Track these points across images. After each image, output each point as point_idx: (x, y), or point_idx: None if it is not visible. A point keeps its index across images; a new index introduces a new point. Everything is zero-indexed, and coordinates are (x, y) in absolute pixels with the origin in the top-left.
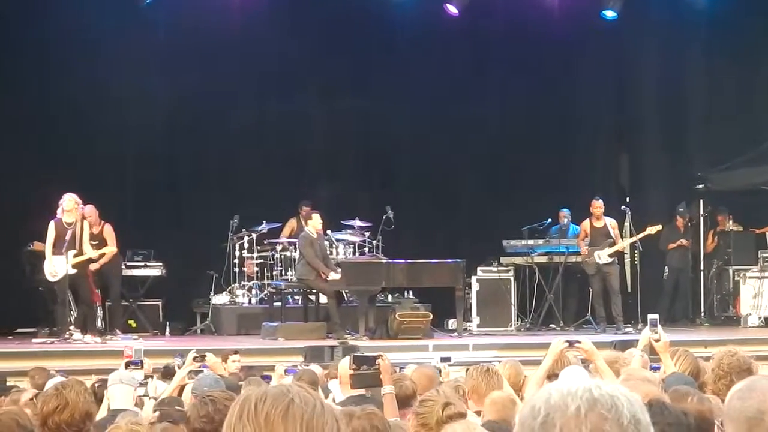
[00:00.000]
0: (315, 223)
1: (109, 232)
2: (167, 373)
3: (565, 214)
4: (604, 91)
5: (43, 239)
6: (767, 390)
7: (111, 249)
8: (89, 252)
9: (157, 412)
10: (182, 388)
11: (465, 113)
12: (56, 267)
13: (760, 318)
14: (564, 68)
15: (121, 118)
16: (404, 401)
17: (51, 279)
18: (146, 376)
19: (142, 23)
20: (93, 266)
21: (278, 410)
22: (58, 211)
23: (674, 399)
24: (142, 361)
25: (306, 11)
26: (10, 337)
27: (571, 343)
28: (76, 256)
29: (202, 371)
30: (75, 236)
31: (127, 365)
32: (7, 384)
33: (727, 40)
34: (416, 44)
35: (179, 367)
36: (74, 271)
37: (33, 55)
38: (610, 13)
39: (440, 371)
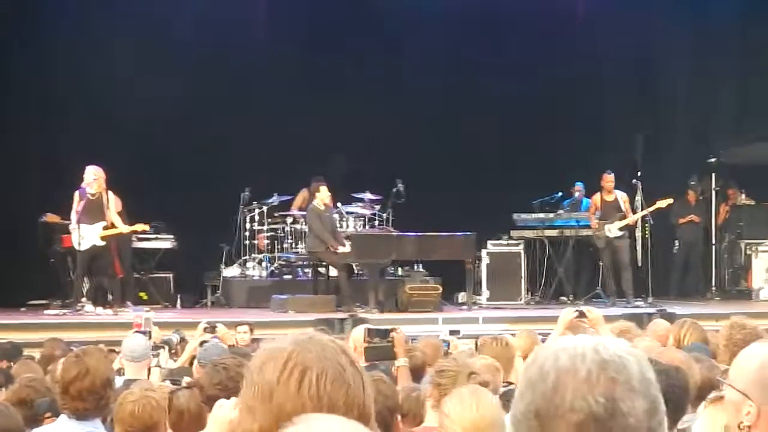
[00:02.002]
0: (322, 196)
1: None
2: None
3: (578, 188)
4: (620, 66)
5: (55, 211)
6: None
7: (144, 226)
8: (121, 226)
9: (167, 381)
10: (193, 359)
11: (477, 88)
12: (84, 237)
13: None
14: (580, 42)
15: (133, 88)
16: (415, 372)
17: (76, 247)
18: (156, 347)
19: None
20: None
21: (340, 393)
22: (83, 182)
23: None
24: (150, 332)
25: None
26: (23, 309)
27: (581, 313)
28: (105, 228)
29: (212, 342)
30: (102, 208)
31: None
32: (23, 355)
33: (749, 14)
34: (434, 19)
35: (177, 343)
36: (102, 243)
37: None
38: None
39: (449, 344)
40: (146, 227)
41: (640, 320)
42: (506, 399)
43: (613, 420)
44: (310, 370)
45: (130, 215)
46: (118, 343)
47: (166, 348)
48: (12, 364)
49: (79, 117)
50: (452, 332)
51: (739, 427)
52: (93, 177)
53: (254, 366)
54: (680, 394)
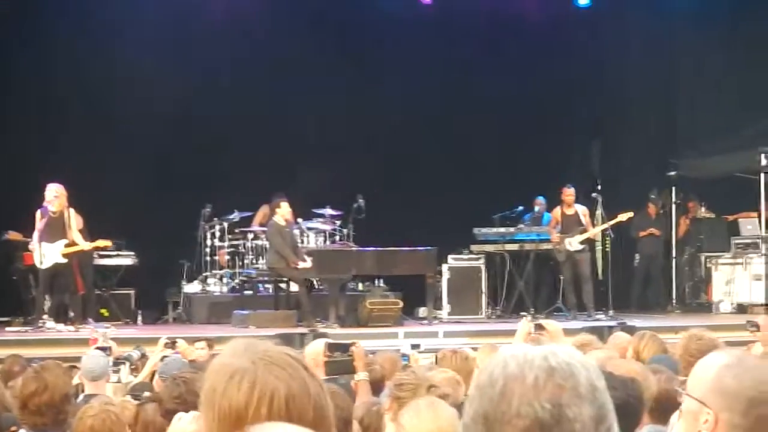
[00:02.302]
0: (283, 212)
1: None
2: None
3: (539, 202)
4: (577, 79)
5: (17, 228)
6: (759, 368)
7: (105, 242)
8: (82, 243)
9: (129, 396)
10: (153, 374)
11: (437, 103)
12: (46, 255)
13: (732, 305)
14: (537, 56)
15: (97, 106)
16: (374, 386)
17: (39, 266)
18: (116, 362)
19: (122, 10)
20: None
21: (309, 409)
22: (45, 200)
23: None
24: (110, 348)
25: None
26: None
27: (539, 326)
28: (67, 245)
29: (171, 357)
30: (63, 225)
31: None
32: None
33: (705, 25)
34: (388, 34)
35: (138, 358)
36: (64, 260)
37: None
38: (583, 0)
39: (409, 358)
40: (108, 243)
41: (601, 333)
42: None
43: (558, 426)
44: (278, 393)
45: (90, 232)
46: (80, 359)
47: (127, 363)
48: None
49: (41, 134)
50: (413, 346)
51: None
52: (54, 195)
53: (215, 385)
54: (635, 405)
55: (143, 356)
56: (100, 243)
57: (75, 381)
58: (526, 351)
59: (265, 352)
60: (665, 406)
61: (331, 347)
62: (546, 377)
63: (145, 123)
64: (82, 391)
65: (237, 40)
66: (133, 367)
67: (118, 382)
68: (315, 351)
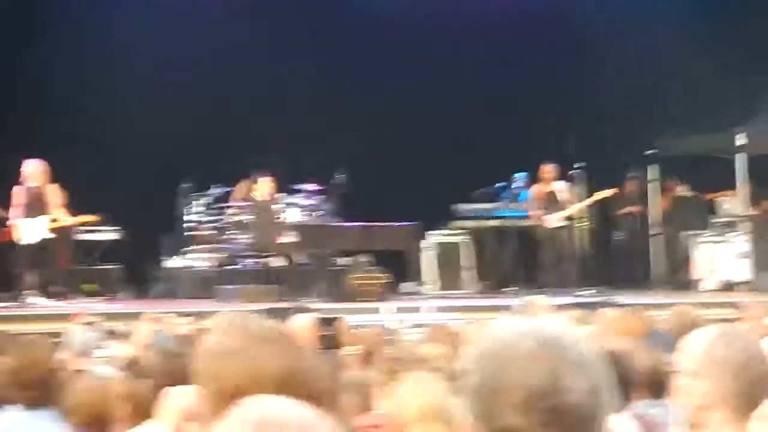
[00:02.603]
0: (261, 187)
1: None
2: (108, 334)
3: (518, 178)
4: (557, 57)
5: None
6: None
7: (92, 217)
8: (66, 218)
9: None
10: (141, 349)
11: (418, 77)
12: (30, 231)
13: (715, 282)
14: (519, 32)
15: (79, 77)
16: (362, 360)
17: (20, 241)
18: (101, 337)
19: None
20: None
21: (304, 384)
22: (22, 176)
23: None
24: (93, 322)
25: None
26: None
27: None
28: (52, 221)
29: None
30: (44, 201)
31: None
32: None
33: (682, 8)
34: (374, 13)
35: (125, 332)
36: (50, 235)
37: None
38: None
39: (396, 333)
40: (95, 218)
41: (586, 309)
42: (454, 386)
43: (554, 396)
44: (270, 370)
45: (73, 207)
46: (63, 334)
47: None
48: None
49: (21, 108)
50: (398, 321)
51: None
52: (33, 170)
53: (207, 366)
54: (628, 378)
55: (130, 331)
56: (86, 218)
57: (61, 356)
58: (519, 324)
59: (254, 330)
60: (657, 381)
61: (319, 322)
62: (540, 349)
63: (127, 98)
64: (67, 367)
65: (221, 16)
66: (120, 341)
67: (106, 356)
68: (304, 325)
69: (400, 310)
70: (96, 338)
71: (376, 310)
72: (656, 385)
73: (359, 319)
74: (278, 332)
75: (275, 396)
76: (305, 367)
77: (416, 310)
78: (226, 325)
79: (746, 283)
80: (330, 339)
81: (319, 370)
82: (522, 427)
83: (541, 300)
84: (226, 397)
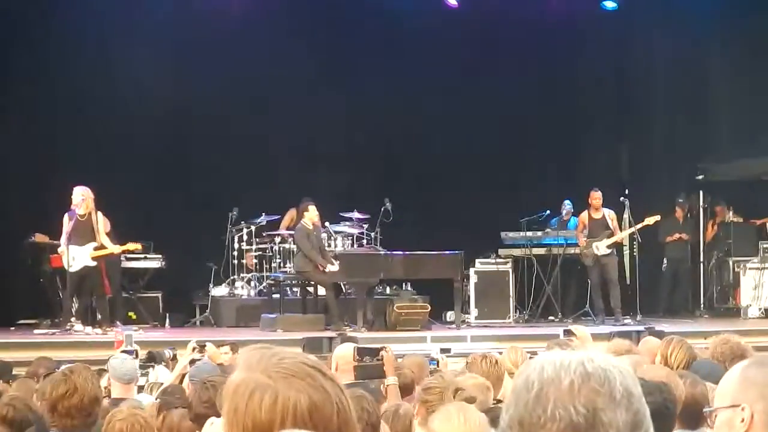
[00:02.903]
0: (311, 215)
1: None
2: (151, 359)
3: (566, 206)
4: (605, 82)
5: (44, 231)
6: None
7: (135, 245)
8: (111, 246)
9: (159, 400)
10: (183, 377)
11: (465, 105)
12: (75, 258)
13: (760, 309)
14: (565, 59)
15: (123, 108)
16: (403, 390)
17: (67, 269)
18: (143, 365)
19: (146, 15)
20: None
21: (332, 418)
22: (72, 204)
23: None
24: (136, 351)
25: (308, 4)
26: (12, 328)
27: (567, 331)
28: (96, 249)
29: (201, 361)
30: (91, 228)
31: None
32: (13, 374)
33: (733, 30)
34: (417, 36)
35: (170, 358)
36: (94, 263)
37: (40, 47)
38: (610, 4)
39: (438, 362)
40: (138, 246)
41: (629, 338)
42: (493, 416)
43: (593, 430)
44: (300, 404)
45: (118, 235)
46: (106, 362)
47: (154, 366)
48: (8, 383)
49: (68, 136)
50: (443, 350)
51: None
52: (81, 197)
53: (237, 403)
54: (671, 409)
55: (174, 357)
56: (130, 246)
57: (103, 384)
58: (563, 356)
59: (280, 364)
60: (692, 412)
61: (361, 352)
62: (582, 382)
63: (172, 128)
64: (109, 395)
65: (262, 42)
66: (165, 365)
67: (148, 384)
68: (344, 355)
69: (444, 339)
70: (137, 367)
71: (422, 339)
72: (694, 416)
73: (404, 348)
74: (308, 365)
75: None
76: (336, 398)
77: (461, 339)
78: (254, 359)
79: None
80: (373, 369)
81: (356, 399)
82: None
83: (583, 330)
84: None
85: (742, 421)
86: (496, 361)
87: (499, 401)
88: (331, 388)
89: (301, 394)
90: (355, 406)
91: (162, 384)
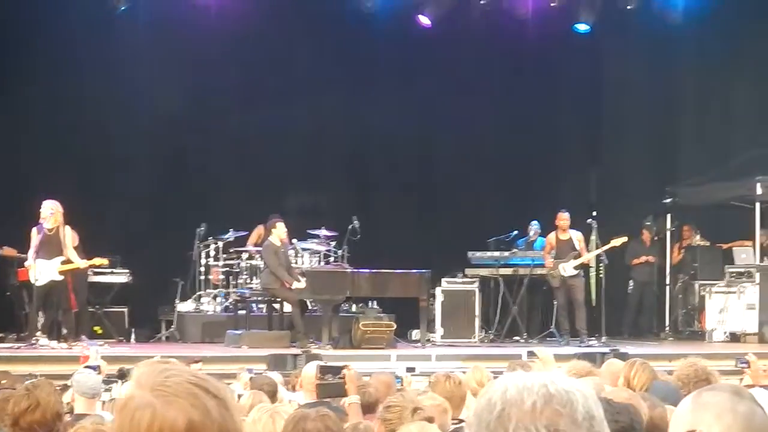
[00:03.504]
0: (279, 232)
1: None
2: (122, 376)
3: (534, 227)
4: (575, 105)
5: (11, 244)
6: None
7: (102, 260)
8: (77, 261)
9: None
10: None
11: (434, 126)
12: (42, 272)
13: (725, 333)
14: (536, 81)
15: (93, 124)
16: (368, 408)
17: (34, 283)
18: (107, 381)
19: (119, 30)
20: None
21: None
22: (40, 218)
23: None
24: (99, 366)
25: (279, 23)
26: None
27: (530, 353)
28: (63, 263)
29: None
30: (59, 242)
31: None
32: None
33: (703, 53)
34: (388, 55)
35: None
36: (60, 278)
37: (15, 60)
38: (582, 27)
39: (402, 381)
40: (105, 262)
41: (593, 359)
42: None
43: None
44: (177, 424)
45: (85, 250)
46: (70, 376)
47: (119, 382)
48: None
49: (37, 150)
50: (408, 369)
51: None
52: (50, 211)
53: (120, 422)
54: (638, 430)
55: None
56: (97, 261)
57: (66, 399)
58: (525, 377)
59: (165, 382)
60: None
61: (324, 370)
62: (544, 403)
63: (141, 143)
64: (72, 410)
65: (231, 61)
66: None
67: (112, 399)
68: (309, 374)
69: (410, 357)
70: (100, 382)
71: (387, 357)
72: None
73: (369, 366)
74: (193, 383)
75: None
76: (219, 417)
77: (426, 358)
78: (144, 375)
79: (755, 334)
80: (334, 387)
81: (235, 424)
82: None
83: (545, 351)
84: None
85: None
86: (459, 381)
87: (461, 421)
88: (215, 407)
89: (180, 414)
90: (320, 424)
91: None
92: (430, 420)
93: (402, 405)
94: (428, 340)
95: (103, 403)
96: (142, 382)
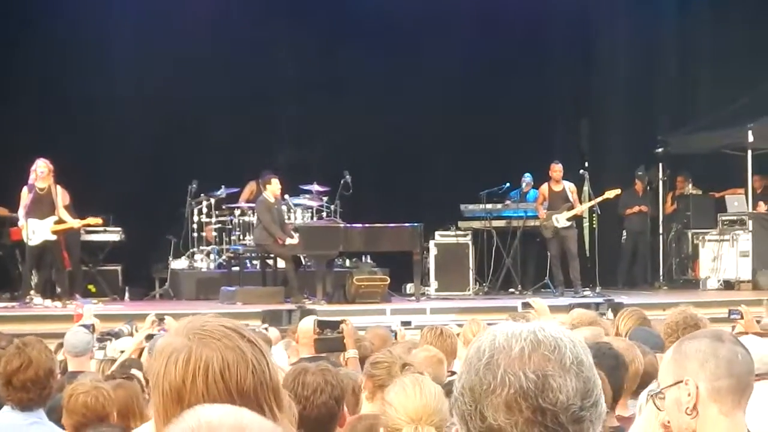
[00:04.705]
0: (273, 188)
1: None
2: (116, 335)
3: (526, 179)
4: (566, 56)
5: (3, 203)
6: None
7: (96, 220)
8: (70, 221)
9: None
10: (142, 351)
11: (424, 77)
12: (35, 231)
13: (719, 281)
14: (526, 32)
15: (84, 84)
16: (364, 362)
17: (27, 242)
18: (100, 339)
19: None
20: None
21: (247, 377)
22: (31, 177)
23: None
24: (93, 325)
25: None
26: None
27: (525, 304)
28: (56, 223)
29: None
30: (51, 202)
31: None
32: None
33: (689, 6)
34: (374, 15)
35: (128, 333)
36: (53, 237)
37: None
38: None
39: (396, 334)
40: (99, 221)
41: (588, 309)
42: (449, 389)
43: (542, 395)
44: (212, 364)
45: (77, 208)
46: (64, 335)
47: (113, 339)
48: None
49: (27, 110)
50: (403, 323)
51: (686, 413)
52: (41, 171)
53: (157, 368)
54: (617, 378)
55: (136, 331)
56: (91, 220)
57: (59, 357)
58: (514, 326)
59: (202, 327)
60: (649, 382)
61: (321, 325)
62: (532, 349)
63: (130, 102)
64: (66, 368)
65: (220, 18)
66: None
67: (104, 358)
68: (306, 329)
69: (404, 311)
70: (92, 340)
71: (382, 312)
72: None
73: (364, 320)
74: (228, 327)
75: (221, 390)
76: (253, 358)
77: (421, 311)
78: (181, 325)
79: (749, 281)
80: (333, 341)
81: (270, 367)
82: (505, 427)
83: (540, 302)
84: (174, 398)
85: (689, 395)
86: (449, 334)
87: (453, 373)
88: (249, 349)
89: (215, 353)
90: (319, 378)
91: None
92: (419, 375)
93: (390, 361)
94: (422, 294)
95: (99, 361)
96: (179, 330)
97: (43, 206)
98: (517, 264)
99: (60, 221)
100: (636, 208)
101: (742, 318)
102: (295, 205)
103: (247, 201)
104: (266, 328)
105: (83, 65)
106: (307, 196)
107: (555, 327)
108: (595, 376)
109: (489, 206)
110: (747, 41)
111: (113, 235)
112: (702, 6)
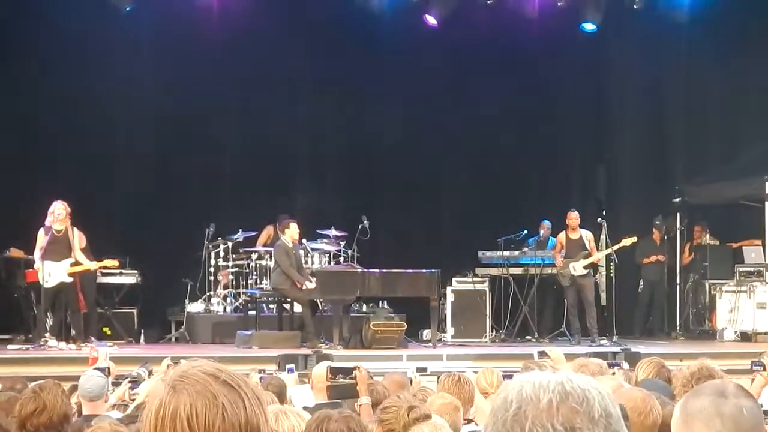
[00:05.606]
0: (292, 233)
1: (76, 235)
2: (132, 382)
3: (544, 226)
4: (583, 104)
5: (19, 245)
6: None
7: (112, 262)
8: (86, 263)
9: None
10: None
11: (443, 124)
12: (51, 273)
13: (735, 332)
14: (543, 80)
15: (102, 124)
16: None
17: (43, 284)
18: (116, 382)
19: (126, 30)
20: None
21: (216, 420)
22: (48, 219)
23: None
24: (108, 368)
25: (288, 20)
26: None
27: (541, 353)
28: (72, 265)
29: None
30: (68, 244)
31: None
32: None
33: (710, 51)
34: (396, 55)
35: (146, 377)
36: (69, 279)
37: (20, 60)
38: (589, 26)
39: (411, 380)
40: (115, 263)
41: (605, 359)
42: None
43: None
44: (180, 412)
45: (93, 251)
46: (79, 378)
47: (126, 382)
48: None
49: (43, 152)
50: (419, 369)
51: None
52: (58, 213)
53: (144, 411)
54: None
55: (150, 374)
56: (108, 262)
57: (73, 400)
58: (541, 376)
59: (180, 374)
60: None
61: (334, 371)
62: (560, 401)
63: (149, 144)
64: (80, 411)
65: (242, 60)
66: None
67: (121, 402)
68: (319, 374)
69: (420, 357)
70: (108, 384)
71: (398, 358)
72: None
73: (380, 366)
74: (205, 372)
75: None
76: (226, 403)
77: (437, 358)
78: (171, 371)
79: (765, 333)
80: (346, 388)
81: (247, 409)
82: None
83: (557, 351)
84: None
85: None
86: (467, 381)
87: (470, 421)
88: (222, 393)
89: (184, 400)
90: (342, 425)
91: (134, 402)
92: (428, 417)
93: (398, 405)
94: (439, 340)
95: (113, 406)
96: (165, 377)
97: (59, 248)
98: (534, 311)
99: (76, 263)
100: (653, 258)
101: (764, 370)
102: (313, 249)
103: (264, 245)
104: (290, 370)
105: (99, 107)
106: (325, 240)
107: (582, 378)
108: (623, 428)
109: (506, 253)
110: (765, 90)
111: (129, 277)
112: (721, 56)
